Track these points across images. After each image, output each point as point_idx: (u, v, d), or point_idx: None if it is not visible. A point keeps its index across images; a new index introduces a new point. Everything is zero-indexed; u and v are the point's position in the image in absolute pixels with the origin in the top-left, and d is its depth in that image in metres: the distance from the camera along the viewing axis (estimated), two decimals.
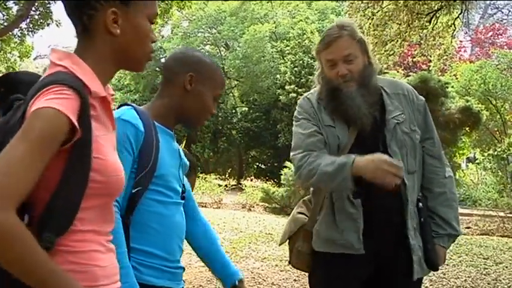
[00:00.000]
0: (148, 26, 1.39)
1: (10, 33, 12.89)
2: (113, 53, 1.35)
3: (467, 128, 11.80)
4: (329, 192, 2.44)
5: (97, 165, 1.25)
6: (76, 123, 1.19)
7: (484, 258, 7.05)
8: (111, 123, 1.38)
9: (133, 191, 1.87)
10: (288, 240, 2.64)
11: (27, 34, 13.32)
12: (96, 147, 1.25)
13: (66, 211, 1.22)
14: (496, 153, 13.82)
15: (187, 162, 2.17)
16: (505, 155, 13.64)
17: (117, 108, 2.01)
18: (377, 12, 9.94)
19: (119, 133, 1.89)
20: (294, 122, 2.58)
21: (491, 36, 28.33)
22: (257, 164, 26.14)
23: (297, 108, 2.60)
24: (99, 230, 1.32)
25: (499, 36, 28.38)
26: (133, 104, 2.02)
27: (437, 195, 2.51)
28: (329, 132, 2.46)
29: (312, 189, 2.59)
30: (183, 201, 2.04)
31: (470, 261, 6.86)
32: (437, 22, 10.27)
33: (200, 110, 2.05)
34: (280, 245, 2.77)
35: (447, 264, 6.35)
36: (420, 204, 2.46)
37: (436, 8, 9.80)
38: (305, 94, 2.64)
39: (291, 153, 2.49)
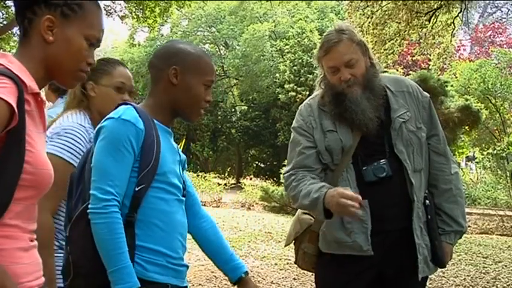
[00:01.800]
0: (83, 45, 1.41)
1: (9, 31, 12.88)
2: (44, 60, 1.38)
3: (466, 127, 11.77)
4: None
5: (28, 157, 1.26)
6: (16, 110, 1.21)
7: (483, 257, 7.06)
8: (43, 124, 1.39)
9: (136, 189, 1.87)
10: (293, 241, 2.62)
11: None
12: (28, 140, 1.27)
13: (1, 199, 1.23)
14: (495, 152, 13.82)
15: (185, 158, 2.16)
16: (504, 154, 13.64)
17: (116, 107, 2.01)
18: (376, 11, 9.93)
19: (120, 133, 1.89)
20: (291, 128, 2.56)
21: (490, 35, 28.34)
22: (256, 162, 26.14)
23: (296, 115, 2.57)
24: (24, 226, 1.32)
25: (499, 35, 28.38)
26: (132, 103, 2.01)
27: (443, 191, 2.50)
28: (331, 137, 2.43)
29: None
30: (184, 199, 2.04)
31: (470, 260, 6.87)
32: (436, 21, 10.26)
33: (192, 101, 2.01)
34: (286, 245, 2.76)
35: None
36: (427, 201, 2.44)
37: (435, 6, 9.78)
38: (306, 100, 2.61)
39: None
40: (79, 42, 1.40)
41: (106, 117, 1.96)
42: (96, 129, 1.97)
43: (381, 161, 2.38)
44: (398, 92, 2.50)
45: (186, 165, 2.16)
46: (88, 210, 1.84)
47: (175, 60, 2.00)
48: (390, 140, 2.42)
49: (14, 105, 1.20)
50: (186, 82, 1.99)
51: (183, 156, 2.12)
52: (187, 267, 2.07)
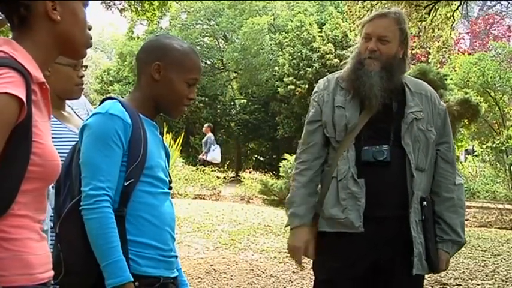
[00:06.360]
0: (84, 10, 1.42)
1: (8, 25, 12.85)
2: (54, 39, 1.37)
3: (465, 120, 11.76)
4: (335, 172, 2.47)
5: (36, 148, 1.27)
6: (26, 105, 1.22)
7: (482, 250, 7.07)
8: (48, 112, 1.39)
9: (125, 184, 1.88)
10: None
11: None
12: (36, 132, 1.27)
13: (6, 192, 1.23)
14: (494, 145, 13.81)
15: (169, 151, 2.17)
16: (503, 147, 13.63)
17: (101, 101, 2.00)
18: (376, 4, 9.90)
19: (108, 127, 1.89)
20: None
21: (490, 28, 28.26)
22: (256, 156, 26.12)
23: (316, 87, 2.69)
24: (33, 216, 1.32)
25: (498, 28, 28.31)
26: (118, 97, 2.01)
27: (445, 200, 2.53)
28: (338, 112, 2.50)
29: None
30: (170, 191, 2.05)
31: (469, 253, 6.87)
32: (436, 14, 10.24)
33: (173, 98, 2.01)
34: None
35: None
36: (425, 203, 2.47)
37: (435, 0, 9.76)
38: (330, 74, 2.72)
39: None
40: (82, 10, 1.41)
41: (91, 113, 1.96)
42: (82, 125, 1.96)
43: (383, 146, 2.43)
44: (416, 93, 2.56)
45: (170, 158, 2.16)
46: (80, 207, 1.84)
47: (159, 55, 1.99)
48: (398, 131, 2.47)
49: (24, 99, 1.21)
50: (168, 78, 1.98)
51: (168, 149, 2.13)
52: (177, 256, 2.08)
